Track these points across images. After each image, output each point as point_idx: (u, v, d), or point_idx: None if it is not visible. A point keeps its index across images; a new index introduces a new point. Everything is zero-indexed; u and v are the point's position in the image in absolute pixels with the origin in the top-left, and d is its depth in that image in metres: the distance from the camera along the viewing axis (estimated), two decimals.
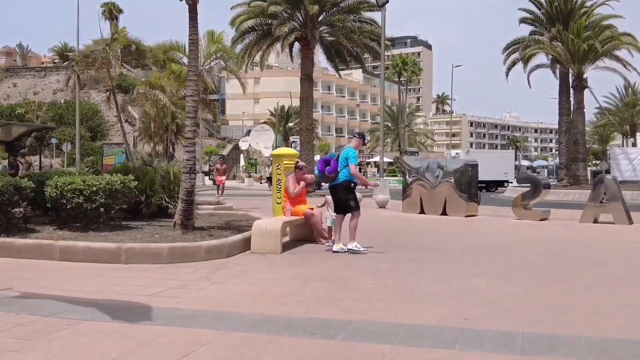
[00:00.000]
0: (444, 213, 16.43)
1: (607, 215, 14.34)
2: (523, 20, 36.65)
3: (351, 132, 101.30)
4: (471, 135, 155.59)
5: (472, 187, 16.55)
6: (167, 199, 12.78)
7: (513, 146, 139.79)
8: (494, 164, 37.57)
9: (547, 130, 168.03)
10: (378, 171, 61.42)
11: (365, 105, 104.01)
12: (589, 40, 29.56)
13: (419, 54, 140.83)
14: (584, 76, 31.45)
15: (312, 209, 10.29)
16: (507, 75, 37.71)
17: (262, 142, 51.24)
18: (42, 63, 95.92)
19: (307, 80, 28.97)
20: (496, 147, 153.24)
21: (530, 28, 37.34)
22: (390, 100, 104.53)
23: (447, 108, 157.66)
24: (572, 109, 34.36)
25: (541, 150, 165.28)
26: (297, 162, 11.11)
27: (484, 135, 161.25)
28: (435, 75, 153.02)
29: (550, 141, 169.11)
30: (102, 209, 10.22)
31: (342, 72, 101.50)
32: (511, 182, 37.51)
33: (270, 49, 29.49)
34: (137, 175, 12.66)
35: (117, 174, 10.79)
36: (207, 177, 51.01)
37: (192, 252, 8.22)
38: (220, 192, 24.60)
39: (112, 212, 10.94)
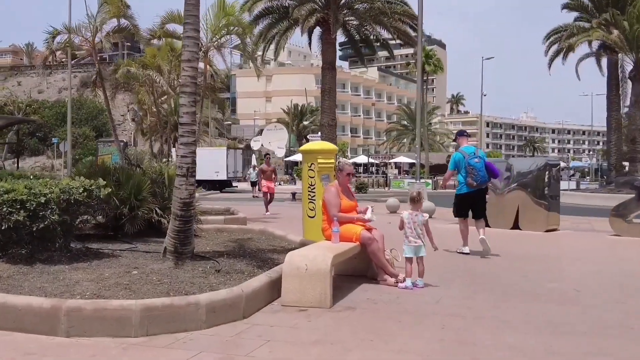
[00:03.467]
0: (515, 226, 12.90)
1: None
2: (567, 6, 32.96)
3: (366, 132, 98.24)
4: (487, 135, 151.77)
5: (554, 192, 13.00)
6: (159, 210, 9.37)
7: (530, 147, 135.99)
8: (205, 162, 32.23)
9: (565, 131, 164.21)
10: (400, 172, 58.22)
11: (381, 104, 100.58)
12: None
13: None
14: None
15: (370, 229, 6.80)
16: (549, 66, 34.18)
17: (275, 141, 47.98)
18: (48, 61, 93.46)
19: (329, 69, 25.49)
20: (513, 148, 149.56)
21: (574, 15, 33.69)
22: (406, 99, 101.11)
23: (461, 108, 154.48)
24: (623, 104, 30.66)
25: (558, 151, 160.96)
26: (339, 162, 7.60)
27: (501, 135, 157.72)
28: (449, 76, 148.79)
29: (568, 142, 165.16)
30: (59, 229, 6.87)
31: (357, 70, 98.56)
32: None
33: (288, 34, 26.03)
34: (119, 178, 9.30)
35: (80, 178, 7.38)
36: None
37: (184, 315, 4.75)
38: (267, 205, 17.25)
39: (75, 231, 7.57)
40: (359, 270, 7.06)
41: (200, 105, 25.81)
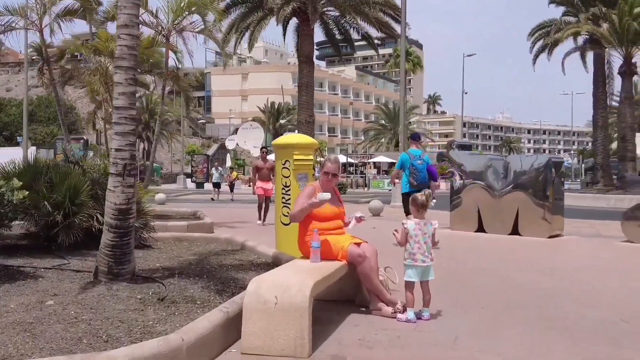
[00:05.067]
0: (514, 232, 11.53)
1: None
2: (554, 0, 31.88)
3: (344, 132, 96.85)
4: (464, 135, 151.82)
5: (558, 193, 11.65)
6: (100, 217, 7.73)
7: (507, 147, 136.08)
8: None
9: (541, 131, 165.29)
10: (379, 172, 56.82)
11: (358, 104, 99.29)
12: None
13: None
14: (633, 60, 26.67)
15: (358, 243, 5.29)
16: (534, 62, 33.07)
17: (251, 140, 46.38)
18: (19, 59, 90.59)
19: (306, 62, 23.94)
20: (489, 148, 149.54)
21: (560, 10, 32.67)
22: (384, 99, 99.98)
23: (438, 109, 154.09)
24: (610, 101, 29.65)
25: (534, 151, 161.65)
26: (325, 157, 5.94)
27: (477, 135, 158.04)
28: (426, 76, 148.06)
29: (544, 142, 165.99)
30: None
31: (335, 69, 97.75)
32: None
33: (263, 24, 24.40)
34: (51, 178, 7.67)
35: None
36: (190, 180, 45.94)
37: None
38: (263, 211, 13.86)
39: None
40: (345, 293, 5.56)
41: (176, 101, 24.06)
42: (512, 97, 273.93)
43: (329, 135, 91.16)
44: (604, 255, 9.19)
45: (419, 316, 4.93)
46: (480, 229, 12.04)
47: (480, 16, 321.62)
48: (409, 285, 4.97)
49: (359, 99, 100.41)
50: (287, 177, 7.69)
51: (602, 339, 4.57)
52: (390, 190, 28.02)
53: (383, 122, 77.57)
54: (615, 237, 10.98)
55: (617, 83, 30.11)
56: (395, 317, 4.96)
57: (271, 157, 13.01)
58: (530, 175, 11.55)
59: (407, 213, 9.66)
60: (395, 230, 5.15)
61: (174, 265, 6.76)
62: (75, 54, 21.05)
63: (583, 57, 32.91)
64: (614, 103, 36.05)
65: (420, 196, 5.17)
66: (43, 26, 13.91)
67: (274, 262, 6.79)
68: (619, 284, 6.83)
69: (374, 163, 57.20)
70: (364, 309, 5.29)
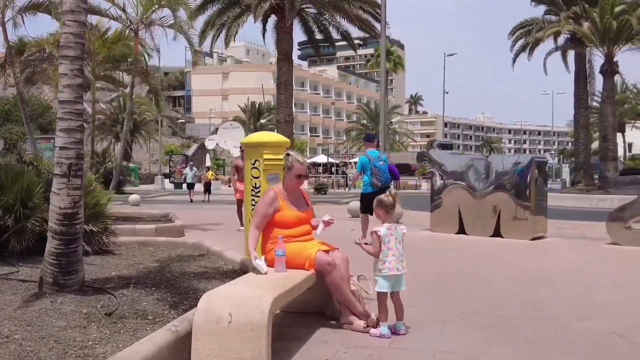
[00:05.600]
0: (496, 233, 11.16)
1: None
2: None
3: (326, 131, 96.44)
4: (446, 135, 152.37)
5: (541, 194, 11.30)
6: None
7: (487, 147, 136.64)
8: None
9: (521, 131, 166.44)
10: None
11: (340, 103, 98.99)
12: (623, 15, 24.72)
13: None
14: (615, 59, 26.53)
15: (328, 250, 4.83)
16: (513, 62, 32.93)
17: (231, 140, 45.58)
18: None
19: (285, 60, 23.45)
20: (471, 148, 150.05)
21: (541, 10, 32.56)
22: (366, 99, 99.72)
23: (419, 109, 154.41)
24: (591, 100, 29.53)
25: (515, 151, 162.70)
26: (289, 157, 5.39)
27: (458, 135, 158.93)
28: (407, 76, 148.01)
29: (524, 142, 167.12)
30: None
31: (316, 69, 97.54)
32: None
33: (240, 21, 23.83)
34: (0, 179, 7.14)
35: None
36: (168, 180, 45.17)
37: None
38: (241, 216, 12.14)
39: None
40: (314, 304, 5.10)
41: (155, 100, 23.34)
42: (493, 97, 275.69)
43: (310, 135, 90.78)
44: (590, 260, 8.84)
45: (393, 331, 4.49)
46: (462, 230, 11.67)
47: (462, 15, 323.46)
48: (382, 297, 4.51)
49: (340, 98, 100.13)
50: (257, 178, 7.21)
51: (596, 356, 4.16)
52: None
53: (365, 122, 77.34)
54: (600, 239, 10.65)
55: (598, 82, 30.03)
56: (367, 332, 4.51)
57: None
58: (513, 176, 11.20)
59: (364, 212, 10.08)
60: (360, 240, 4.68)
61: (131, 274, 6.26)
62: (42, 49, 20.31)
63: (564, 56, 32.81)
64: (594, 103, 36.07)
65: (386, 197, 4.70)
66: (5, 20, 13.22)
67: (242, 270, 6.33)
68: (610, 291, 6.43)
69: (356, 163, 56.82)
70: (334, 322, 4.83)
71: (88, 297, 5.05)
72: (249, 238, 4.68)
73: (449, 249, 9.94)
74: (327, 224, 4.98)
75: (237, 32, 24.02)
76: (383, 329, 4.43)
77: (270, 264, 4.73)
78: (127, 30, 12.30)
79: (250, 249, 4.57)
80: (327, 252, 4.78)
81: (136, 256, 7.56)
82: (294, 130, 33.12)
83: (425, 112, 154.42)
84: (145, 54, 14.44)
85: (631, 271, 7.84)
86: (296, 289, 4.22)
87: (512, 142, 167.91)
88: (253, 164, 7.22)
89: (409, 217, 15.30)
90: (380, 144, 20.80)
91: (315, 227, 5.06)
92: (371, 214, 9.46)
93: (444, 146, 37.23)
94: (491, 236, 11.13)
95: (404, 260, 4.59)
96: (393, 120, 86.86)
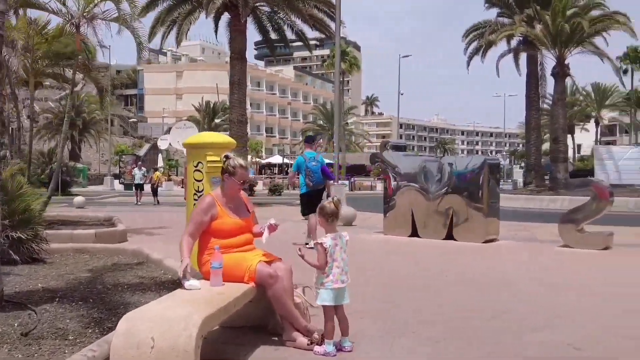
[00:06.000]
0: (449, 236, 11.00)
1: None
2: (488, 1, 32.03)
3: (282, 132, 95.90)
4: (401, 137, 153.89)
5: (493, 196, 11.20)
6: None
7: (441, 148, 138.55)
8: None
9: (474, 132, 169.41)
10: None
11: (297, 104, 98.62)
12: (575, 17, 25.10)
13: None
14: (566, 62, 26.95)
15: (270, 261, 4.47)
16: (468, 64, 33.14)
17: (184, 140, 44.75)
18: None
19: (238, 59, 22.97)
20: (425, 149, 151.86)
21: (494, 12, 32.90)
22: (322, 99, 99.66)
23: (375, 110, 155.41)
24: (542, 102, 29.99)
25: (467, 152, 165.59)
26: (228, 160, 4.89)
27: (413, 137, 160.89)
28: (363, 78, 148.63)
29: (477, 144, 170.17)
30: None
31: (273, 69, 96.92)
32: None
33: (192, 18, 23.22)
34: None
35: None
36: (118, 181, 44.00)
37: None
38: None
39: None
40: (254, 318, 4.73)
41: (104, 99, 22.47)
42: (447, 99, 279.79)
43: (266, 136, 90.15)
44: (543, 263, 8.71)
45: (339, 347, 4.16)
46: (415, 233, 11.48)
47: (418, 17, 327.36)
48: (329, 311, 4.17)
49: (297, 99, 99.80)
50: (199, 182, 6.78)
51: None
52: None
53: (321, 122, 77.19)
54: (552, 241, 10.60)
55: (549, 85, 30.51)
56: (311, 350, 4.17)
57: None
58: (464, 177, 11.06)
59: (304, 214, 10.26)
60: (300, 251, 4.27)
61: (59, 286, 5.77)
62: None
63: (516, 58, 33.23)
64: (545, 105, 36.69)
65: (328, 205, 4.27)
66: None
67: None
68: (566, 298, 6.23)
69: None
70: (276, 339, 4.48)
71: (5, 314, 4.59)
72: (182, 247, 4.26)
73: (401, 253, 9.72)
74: (272, 228, 4.61)
75: (188, 29, 23.45)
76: (328, 346, 4.10)
77: (205, 276, 4.35)
78: (69, 25, 11.65)
79: (183, 261, 4.15)
80: (269, 262, 4.42)
81: (69, 265, 7.05)
82: (249, 130, 32.63)
83: (381, 114, 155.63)
84: (88, 50, 13.72)
85: (584, 275, 7.73)
86: (232, 305, 3.85)
87: (465, 143, 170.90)
88: (196, 167, 6.79)
89: (363, 220, 15.09)
90: (335, 144, 20.58)
91: (258, 234, 4.69)
92: (313, 212, 9.69)
93: (398, 147, 37.18)
94: (444, 239, 10.97)
95: (348, 271, 4.26)
96: (349, 121, 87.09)
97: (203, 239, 4.44)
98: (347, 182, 37.09)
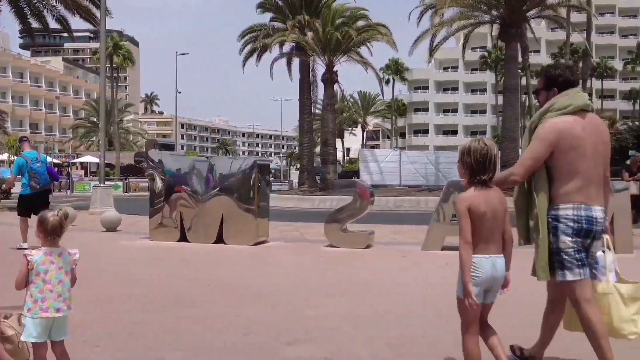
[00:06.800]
0: (219, 240, 10.62)
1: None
2: (261, 6, 32.51)
3: (49, 128, 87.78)
4: (182, 137, 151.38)
5: (263, 197, 11.05)
6: None
7: (223, 149, 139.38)
8: None
9: (255, 134, 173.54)
10: (86, 174, 52.19)
11: (66, 98, 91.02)
12: (343, 27, 26.55)
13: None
14: (335, 69, 28.42)
15: None
16: (243, 65, 33.34)
17: None
18: None
19: None
20: (207, 150, 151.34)
21: (269, 15, 33.46)
22: (96, 94, 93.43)
23: (156, 109, 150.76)
24: (314, 107, 31.34)
25: (249, 153, 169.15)
26: None
27: (195, 137, 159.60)
28: (143, 75, 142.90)
29: (257, 145, 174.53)
30: None
31: (39, 59, 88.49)
32: None
33: None
34: None
35: None
36: None
37: None
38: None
39: None
40: None
41: None
42: (229, 100, 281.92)
43: (30, 132, 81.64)
44: (307, 266, 8.73)
45: None
46: (184, 237, 10.88)
47: (200, 15, 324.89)
48: (39, 349, 3.37)
49: (67, 93, 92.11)
50: None
51: None
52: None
53: (94, 119, 72.21)
54: (319, 241, 10.79)
55: (320, 90, 31.96)
56: None
57: None
58: (237, 178, 10.79)
59: (21, 215, 9.84)
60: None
61: None
62: None
63: (289, 64, 34.23)
64: (317, 110, 38.44)
65: (52, 217, 3.44)
66: None
67: None
68: (322, 305, 6.06)
69: (81, 163, 52.62)
70: None
71: None
72: None
73: (163, 261, 9.08)
74: None
75: None
76: None
77: None
78: None
79: None
80: None
81: None
82: (10, 126, 28.95)
83: (161, 112, 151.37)
84: None
85: (344, 277, 7.83)
86: None
87: (247, 145, 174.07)
88: None
89: (129, 224, 14.07)
90: (101, 142, 19.03)
91: None
92: (29, 217, 9.59)
93: (166, 147, 36.16)
94: (214, 242, 10.57)
95: (69, 297, 3.48)
96: (126, 118, 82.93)
97: None
98: (120, 183, 35.03)
